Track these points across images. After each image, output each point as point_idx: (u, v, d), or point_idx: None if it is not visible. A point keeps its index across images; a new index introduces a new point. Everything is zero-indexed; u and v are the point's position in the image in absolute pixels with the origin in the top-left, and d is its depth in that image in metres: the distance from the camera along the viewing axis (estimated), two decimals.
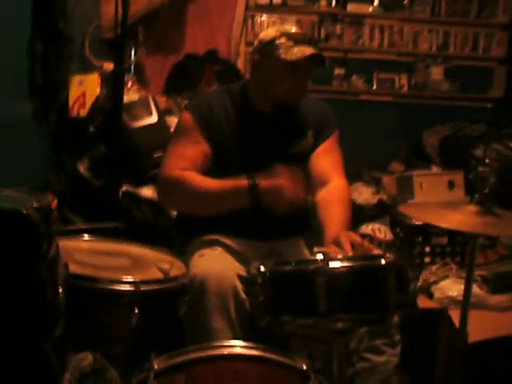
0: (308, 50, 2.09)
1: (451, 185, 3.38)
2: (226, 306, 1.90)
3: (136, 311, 1.69)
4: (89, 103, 3.14)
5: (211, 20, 4.23)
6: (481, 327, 2.36)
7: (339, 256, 1.71)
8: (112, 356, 1.64)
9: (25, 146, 3.13)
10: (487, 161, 2.70)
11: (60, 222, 1.46)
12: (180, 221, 2.39)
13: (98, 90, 3.17)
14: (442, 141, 4.07)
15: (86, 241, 2.10)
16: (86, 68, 3.44)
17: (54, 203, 1.40)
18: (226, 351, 1.47)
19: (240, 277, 1.96)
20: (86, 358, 1.49)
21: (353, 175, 3.87)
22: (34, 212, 1.28)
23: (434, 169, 3.90)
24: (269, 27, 2.25)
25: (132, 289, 1.71)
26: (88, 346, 1.59)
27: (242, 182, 2.02)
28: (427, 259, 3.06)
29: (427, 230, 2.98)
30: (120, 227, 2.66)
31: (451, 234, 2.96)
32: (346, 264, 1.62)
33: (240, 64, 4.27)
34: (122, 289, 1.71)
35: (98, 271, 1.79)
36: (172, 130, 2.97)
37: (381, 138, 4.32)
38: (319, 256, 1.62)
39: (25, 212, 1.27)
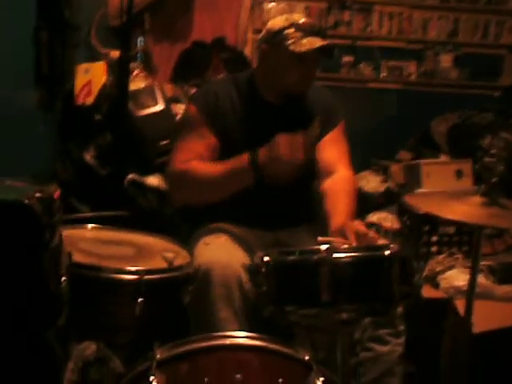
0: (317, 42, 2.07)
1: (459, 174, 3.36)
2: (230, 296, 1.90)
3: (140, 300, 1.69)
4: (95, 91, 3.13)
5: (219, 7, 4.20)
6: (487, 317, 2.34)
7: (343, 246, 1.71)
8: (116, 345, 1.65)
9: (31, 135, 3.14)
10: (494, 151, 2.67)
11: (64, 211, 1.46)
12: (185, 209, 2.39)
13: (104, 78, 3.16)
14: (450, 129, 4.04)
15: (90, 230, 2.10)
16: (93, 56, 3.44)
17: (57, 193, 1.40)
18: (228, 341, 1.48)
19: (244, 266, 1.96)
20: (90, 347, 1.50)
21: (361, 163, 3.86)
22: (36, 202, 1.28)
23: (443, 157, 3.87)
24: (277, 15, 2.22)
25: (136, 278, 1.71)
26: (92, 335, 1.60)
27: (243, 157, 2.02)
28: (434, 248, 3.04)
29: (434, 219, 2.96)
30: (126, 216, 2.66)
31: (458, 223, 2.94)
32: (349, 254, 1.62)
33: (247, 52, 4.25)
34: (126, 278, 1.72)
35: (103, 260, 1.80)
36: (178, 118, 2.98)
37: (389, 126, 4.30)
38: (323, 246, 1.62)
39: (26, 202, 1.27)
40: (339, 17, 4.39)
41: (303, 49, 2.06)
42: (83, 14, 3.37)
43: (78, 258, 1.72)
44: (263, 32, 2.19)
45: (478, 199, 1.80)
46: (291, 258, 1.65)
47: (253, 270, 1.79)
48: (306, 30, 2.08)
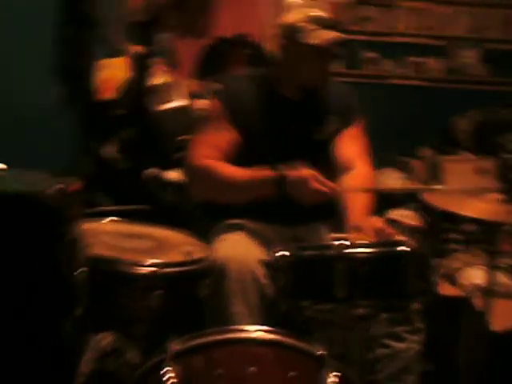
0: (330, 34, 2.07)
1: (481, 171, 3.33)
2: (245, 291, 1.91)
3: (157, 293, 1.71)
4: (115, 87, 3.15)
5: (241, 3, 4.20)
6: (507, 316, 2.33)
7: (360, 242, 1.71)
8: (133, 337, 1.67)
9: (53, 130, 3.18)
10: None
11: (86, 205, 1.48)
12: (205, 204, 2.41)
13: (124, 74, 3.19)
14: (473, 126, 4.00)
15: (111, 223, 2.13)
16: (114, 52, 3.46)
17: (75, 186, 1.42)
18: (242, 335, 1.49)
19: (261, 262, 1.96)
20: (106, 338, 1.52)
21: (382, 160, 3.85)
22: (53, 195, 1.30)
23: (465, 154, 3.84)
24: (292, 11, 2.23)
25: (153, 271, 1.73)
26: (109, 326, 1.62)
27: (270, 172, 2.03)
28: (454, 246, 3.03)
29: (455, 217, 2.94)
30: (147, 210, 2.68)
31: (479, 221, 2.91)
32: (366, 250, 1.62)
33: (270, 47, 4.24)
34: (143, 271, 1.74)
35: (122, 253, 1.82)
36: (199, 113, 2.99)
37: (411, 122, 4.27)
38: (340, 241, 1.62)
39: (43, 194, 1.29)
40: (362, 13, 4.37)
41: (317, 41, 2.07)
42: (105, 10, 3.39)
43: (97, 250, 1.75)
44: (278, 26, 2.20)
45: (496, 196, 1.79)
46: (308, 253, 1.66)
47: (269, 265, 1.80)
48: (319, 23, 2.09)
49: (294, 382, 1.43)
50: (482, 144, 3.78)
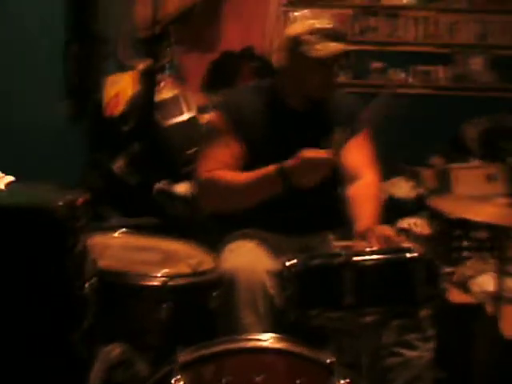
0: (333, 46, 2.08)
1: (490, 178, 3.32)
2: (255, 302, 1.91)
3: (164, 305, 1.72)
4: (123, 102, 3.19)
5: (246, 16, 4.24)
6: None
7: (367, 249, 1.71)
8: (142, 349, 1.67)
9: (62, 146, 3.21)
10: None
11: (96, 219, 1.49)
12: (214, 216, 2.42)
13: (132, 89, 3.22)
14: (482, 133, 3.99)
15: (119, 236, 2.14)
16: (121, 67, 3.50)
17: (82, 199, 1.44)
18: (250, 344, 1.49)
19: (270, 271, 1.97)
20: (115, 350, 1.52)
21: (392, 169, 3.84)
22: (60, 208, 1.32)
23: (474, 162, 3.83)
24: (296, 23, 2.25)
25: (161, 283, 1.74)
26: (118, 338, 1.62)
27: (271, 168, 2.04)
28: (466, 253, 3.01)
29: (466, 224, 2.93)
30: (156, 223, 2.70)
31: (490, 227, 2.89)
32: (372, 257, 1.62)
33: (276, 59, 4.26)
34: (151, 283, 1.75)
35: (130, 265, 1.83)
36: (207, 127, 3.01)
37: (420, 131, 4.26)
38: (346, 250, 1.62)
39: (50, 207, 1.31)
40: (366, 23, 4.38)
41: (320, 53, 2.08)
42: (112, 26, 3.43)
43: (105, 263, 1.76)
44: (282, 39, 2.22)
45: (505, 201, 1.78)
46: (315, 261, 1.66)
47: (278, 275, 1.80)
48: (323, 35, 2.09)
49: None
50: (491, 150, 3.76)
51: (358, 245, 1.80)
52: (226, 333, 1.91)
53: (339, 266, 1.61)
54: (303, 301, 1.64)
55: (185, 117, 3.12)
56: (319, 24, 2.16)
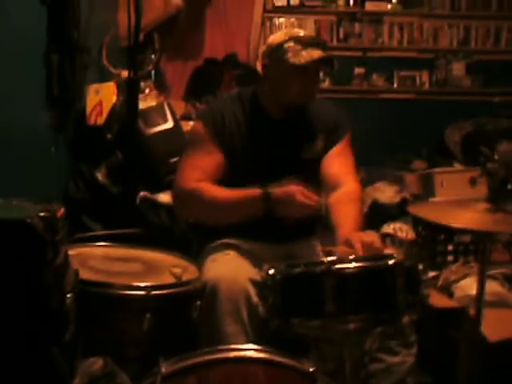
0: (316, 53, 2.09)
1: (473, 182, 3.34)
2: (237, 311, 1.91)
3: (147, 316, 1.71)
4: (105, 111, 3.18)
5: (229, 24, 4.26)
6: (503, 326, 2.32)
7: (348, 257, 1.71)
8: (124, 360, 1.66)
9: (44, 155, 3.19)
10: (496, 157, 2.66)
11: (77, 229, 1.49)
12: (196, 225, 2.41)
13: (114, 98, 3.22)
14: (464, 137, 4.02)
15: (100, 247, 2.14)
16: (104, 77, 3.49)
17: (60, 212, 1.43)
18: (233, 354, 1.49)
19: (252, 280, 1.97)
20: (97, 363, 1.52)
21: (376, 174, 3.86)
22: (39, 221, 1.31)
23: (457, 166, 3.85)
24: (279, 31, 2.26)
25: (143, 294, 1.73)
26: (100, 350, 1.61)
27: (255, 191, 2.04)
28: (450, 258, 3.03)
29: (449, 229, 2.94)
30: (138, 233, 2.69)
31: (473, 231, 2.91)
32: (354, 265, 1.62)
33: (259, 67, 4.27)
34: (134, 294, 1.74)
35: (111, 277, 1.82)
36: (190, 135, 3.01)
37: (403, 136, 4.29)
38: (327, 258, 1.62)
39: (29, 221, 1.30)
40: (349, 29, 4.41)
41: (302, 60, 2.09)
42: (94, 36, 3.43)
43: (86, 275, 1.75)
44: (264, 47, 2.23)
45: (484, 206, 1.79)
46: (296, 270, 1.66)
47: (259, 284, 1.80)
48: (305, 43, 2.10)
49: None
50: (473, 155, 3.79)
51: (341, 251, 1.81)
52: (208, 343, 1.90)
53: (321, 273, 1.61)
54: (285, 309, 1.64)
55: (169, 124, 3.12)
56: (300, 32, 2.18)
